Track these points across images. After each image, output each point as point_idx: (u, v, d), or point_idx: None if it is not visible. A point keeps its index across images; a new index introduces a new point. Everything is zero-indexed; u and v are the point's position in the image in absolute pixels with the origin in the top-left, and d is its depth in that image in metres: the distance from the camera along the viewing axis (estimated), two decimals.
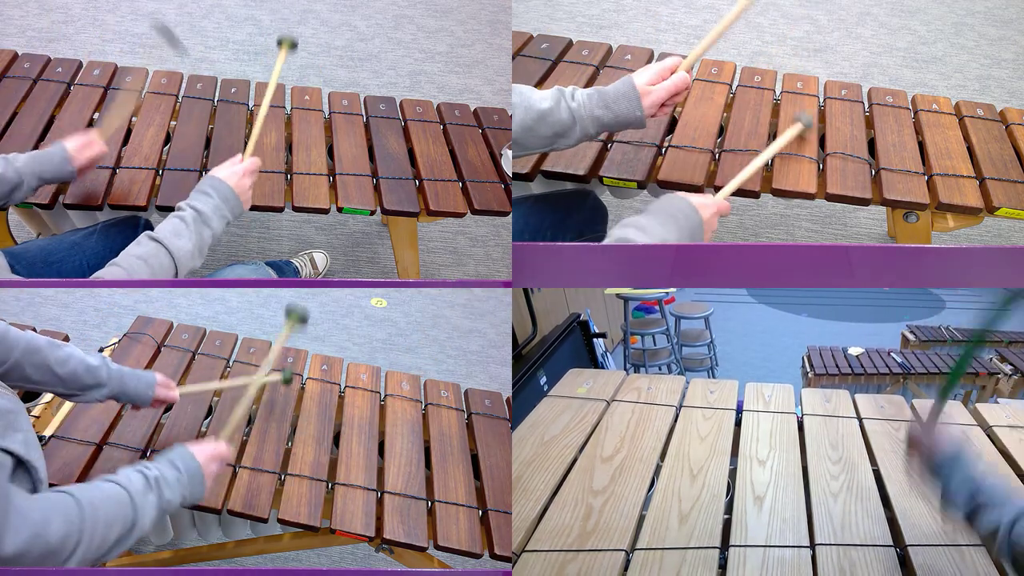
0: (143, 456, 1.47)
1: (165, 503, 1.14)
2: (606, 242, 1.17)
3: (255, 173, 1.48)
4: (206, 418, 1.61)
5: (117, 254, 1.30)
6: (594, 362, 3.07)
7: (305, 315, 1.56)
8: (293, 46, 1.57)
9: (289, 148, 1.76)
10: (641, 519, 1.27)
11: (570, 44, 1.89)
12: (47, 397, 1.60)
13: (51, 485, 1.10)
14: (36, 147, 1.62)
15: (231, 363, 1.84)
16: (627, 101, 1.26)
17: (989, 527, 0.99)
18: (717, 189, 1.55)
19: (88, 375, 1.29)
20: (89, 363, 1.30)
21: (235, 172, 1.42)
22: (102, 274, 1.25)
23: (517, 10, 2.98)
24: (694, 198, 1.23)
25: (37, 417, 1.55)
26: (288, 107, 1.89)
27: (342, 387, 1.77)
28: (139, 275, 1.26)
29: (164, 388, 1.42)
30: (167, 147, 1.71)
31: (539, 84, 1.75)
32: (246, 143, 1.54)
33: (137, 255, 1.28)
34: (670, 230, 1.18)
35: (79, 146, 1.44)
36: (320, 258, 2.30)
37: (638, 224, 1.17)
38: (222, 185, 1.39)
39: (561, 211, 1.62)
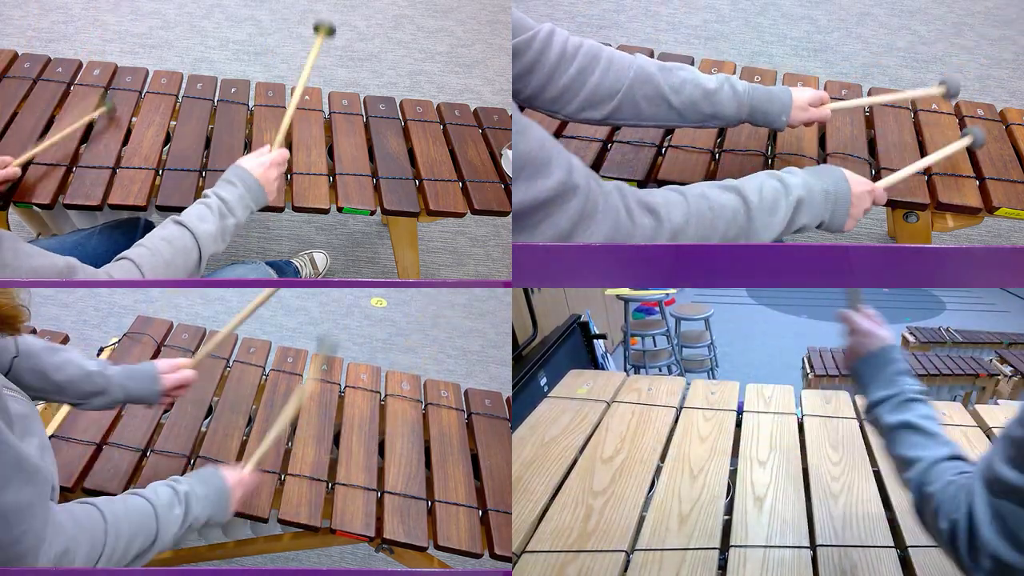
0: (143, 456, 1.47)
1: (192, 519, 1.14)
2: (753, 182, 1.16)
3: (282, 164, 1.47)
4: (206, 418, 1.61)
5: (119, 254, 1.30)
6: (594, 363, 3.07)
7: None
8: (331, 32, 1.54)
9: (289, 148, 1.76)
10: (641, 520, 1.27)
11: None
12: None
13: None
14: (36, 145, 1.61)
15: (231, 363, 1.84)
16: (780, 104, 1.37)
17: (906, 455, 0.94)
18: None
19: (86, 382, 1.26)
20: (87, 368, 1.26)
21: (261, 163, 1.41)
22: (128, 255, 1.25)
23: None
24: (847, 171, 1.24)
25: None
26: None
27: (342, 387, 1.77)
28: (163, 255, 1.26)
29: (171, 374, 1.34)
30: (167, 147, 1.71)
31: None
32: (276, 134, 1.52)
33: (161, 236, 1.28)
34: (820, 183, 1.18)
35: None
36: (320, 258, 2.30)
37: (788, 169, 1.19)
38: (247, 175, 1.39)
39: None
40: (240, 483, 1.24)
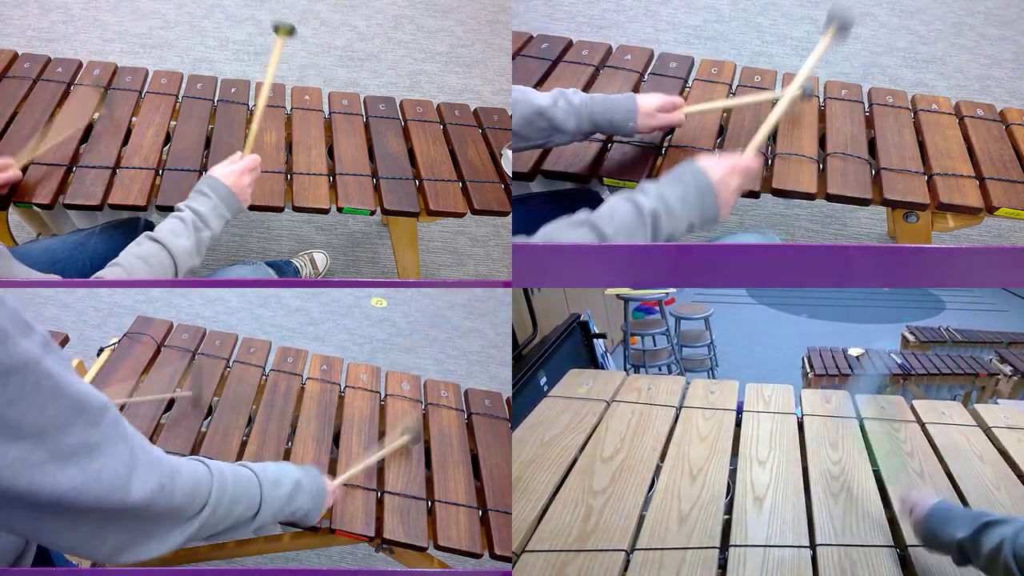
0: None
1: (296, 507, 1.15)
2: (605, 211, 1.16)
3: (255, 171, 1.48)
4: (206, 418, 1.61)
5: (119, 254, 1.30)
6: (594, 363, 3.07)
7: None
8: (291, 32, 1.54)
9: (289, 148, 1.76)
10: (641, 519, 1.27)
11: (570, 44, 1.89)
12: None
13: None
14: (37, 147, 1.61)
15: (231, 363, 1.84)
16: (624, 111, 1.39)
17: (993, 541, 0.99)
18: None
19: None
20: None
21: (233, 171, 1.42)
22: (103, 274, 1.25)
23: (517, 10, 2.98)
24: (704, 160, 1.23)
25: None
26: (288, 107, 1.89)
27: (342, 387, 1.77)
28: (139, 274, 1.26)
29: None
30: (167, 147, 1.71)
31: (539, 84, 1.75)
32: (245, 140, 1.54)
33: (137, 255, 1.29)
34: (674, 189, 1.19)
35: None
36: (320, 258, 2.30)
37: (641, 187, 1.19)
38: (219, 185, 1.40)
39: (565, 209, 1.62)
40: (332, 492, 1.27)
